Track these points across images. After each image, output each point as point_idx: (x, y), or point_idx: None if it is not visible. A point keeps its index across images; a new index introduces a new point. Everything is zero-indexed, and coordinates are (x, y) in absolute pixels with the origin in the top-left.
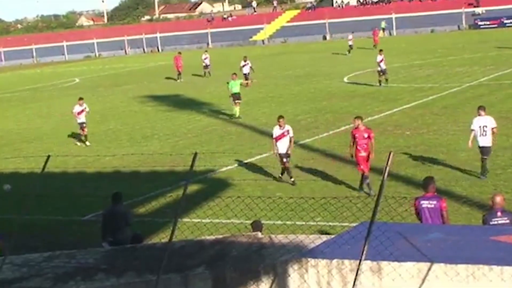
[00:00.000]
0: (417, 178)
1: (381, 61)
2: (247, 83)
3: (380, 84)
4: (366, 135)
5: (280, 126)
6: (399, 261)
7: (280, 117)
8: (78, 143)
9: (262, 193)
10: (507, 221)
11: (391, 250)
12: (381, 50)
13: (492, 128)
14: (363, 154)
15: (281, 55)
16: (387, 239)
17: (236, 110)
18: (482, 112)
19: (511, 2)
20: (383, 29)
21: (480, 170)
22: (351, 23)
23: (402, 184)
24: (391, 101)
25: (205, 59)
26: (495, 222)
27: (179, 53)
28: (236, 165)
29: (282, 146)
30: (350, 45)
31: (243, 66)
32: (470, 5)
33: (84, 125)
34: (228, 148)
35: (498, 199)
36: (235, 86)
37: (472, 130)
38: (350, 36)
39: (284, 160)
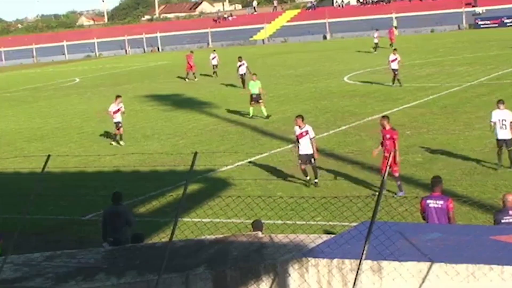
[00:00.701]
0: (417, 178)
1: (393, 60)
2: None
3: (393, 83)
4: (388, 136)
5: (299, 126)
6: (400, 261)
7: (298, 116)
8: (113, 143)
9: (262, 193)
10: None
11: (392, 250)
12: (395, 49)
13: (511, 122)
14: (385, 154)
15: (281, 55)
16: (388, 238)
17: (251, 110)
18: (502, 106)
19: (511, 1)
20: (395, 27)
21: (509, 162)
22: (351, 22)
23: (403, 183)
24: (392, 101)
25: (212, 58)
26: (507, 221)
27: (191, 52)
28: (236, 164)
29: (303, 146)
30: (375, 43)
31: (239, 66)
32: (468, 4)
33: (120, 124)
34: (229, 147)
35: (510, 198)
36: (255, 87)
37: (492, 122)
38: (376, 34)
39: (306, 162)
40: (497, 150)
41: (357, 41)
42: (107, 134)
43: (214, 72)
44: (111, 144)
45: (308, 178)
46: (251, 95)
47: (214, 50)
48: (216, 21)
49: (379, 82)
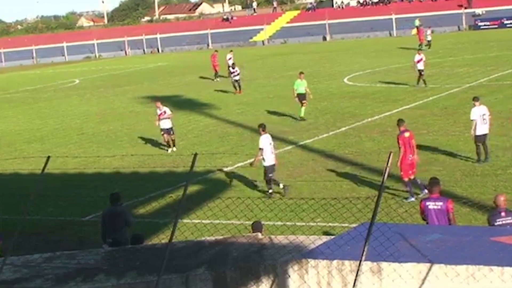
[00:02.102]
0: (417, 179)
1: (419, 61)
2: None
3: (418, 84)
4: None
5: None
6: (399, 262)
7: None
8: (168, 150)
9: (262, 194)
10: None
11: (391, 251)
12: (419, 50)
13: (489, 116)
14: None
15: (281, 56)
16: (387, 240)
17: (302, 110)
18: (477, 103)
19: (511, 2)
20: (417, 27)
21: (484, 156)
22: (351, 24)
23: (403, 185)
24: (391, 102)
25: (229, 59)
26: (500, 222)
27: (216, 51)
28: (236, 165)
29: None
30: (428, 40)
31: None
32: (460, 6)
33: (169, 131)
34: (228, 148)
35: (502, 199)
36: (301, 86)
37: (473, 120)
38: (429, 31)
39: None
40: (477, 148)
41: (357, 42)
42: (107, 135)
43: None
44: (166, 151)
45: (281, 186)
46: (298, 95)
47: (231, 51)
48: (225, 20)
49: (379, 83)
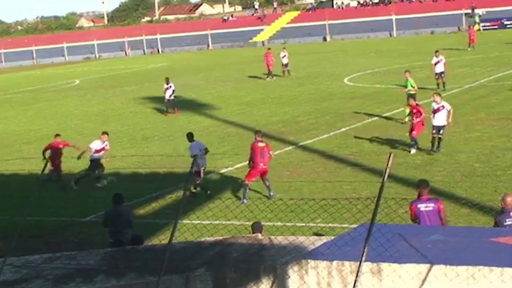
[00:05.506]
0: (417, 180)
1: (437, 62)
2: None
3: (438, 87)
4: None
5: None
6: (399, 263)
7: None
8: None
9: (262, 195)
10: None
11: (391, 252)
12: (437, 51)
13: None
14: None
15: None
16: (387, 240)
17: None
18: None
19: (511, 3)
20: (477, 23)
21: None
22: (351, 24)
23: (402, 185)
24: (392, 103)
25: (283, 57)
26: (510, 223)
27: (269, 49)
28: (236, 166)
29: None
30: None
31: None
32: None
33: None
34: (228, 149)
35: (509, 199)
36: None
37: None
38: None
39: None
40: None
41: (357, 43)
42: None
43: (284, 71)
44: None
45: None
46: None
47: (284, 48)
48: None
49: (379, 84)
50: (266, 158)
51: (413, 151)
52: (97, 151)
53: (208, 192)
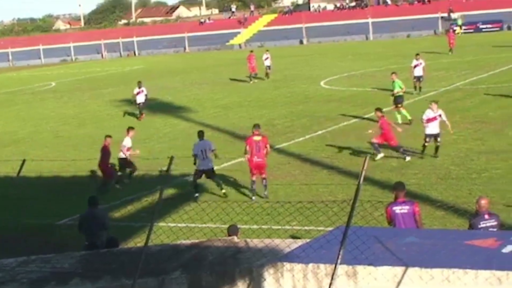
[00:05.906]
0: (392, 182)
1: (416, 66)
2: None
3: (415, 90)
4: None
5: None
6: (375, 265)
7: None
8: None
9: (237, 198)
10: (495, 222)
11: (367, 254)
12: (417, 54)
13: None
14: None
15: (258, 59)
16: (363, 243)
17: (405, 113)
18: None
19: (487, 7)
20: (459, 26)
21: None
22: (328, 27)
23: (378, 188)
24: (368, 106)
25: (265, 59)
26: (484, 225)
27: (251, 51)
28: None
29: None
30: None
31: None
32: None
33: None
34: None
35: (483, 202)
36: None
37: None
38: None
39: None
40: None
41: (334, 46)
42: (83, 139)
43: (267, 74)
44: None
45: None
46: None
47: (267, 50)
48: (241, 22)
49: (356, 86)
50: (261, 152)
51: (379, 156)
52: (128, 149)
53: (196, 195)
